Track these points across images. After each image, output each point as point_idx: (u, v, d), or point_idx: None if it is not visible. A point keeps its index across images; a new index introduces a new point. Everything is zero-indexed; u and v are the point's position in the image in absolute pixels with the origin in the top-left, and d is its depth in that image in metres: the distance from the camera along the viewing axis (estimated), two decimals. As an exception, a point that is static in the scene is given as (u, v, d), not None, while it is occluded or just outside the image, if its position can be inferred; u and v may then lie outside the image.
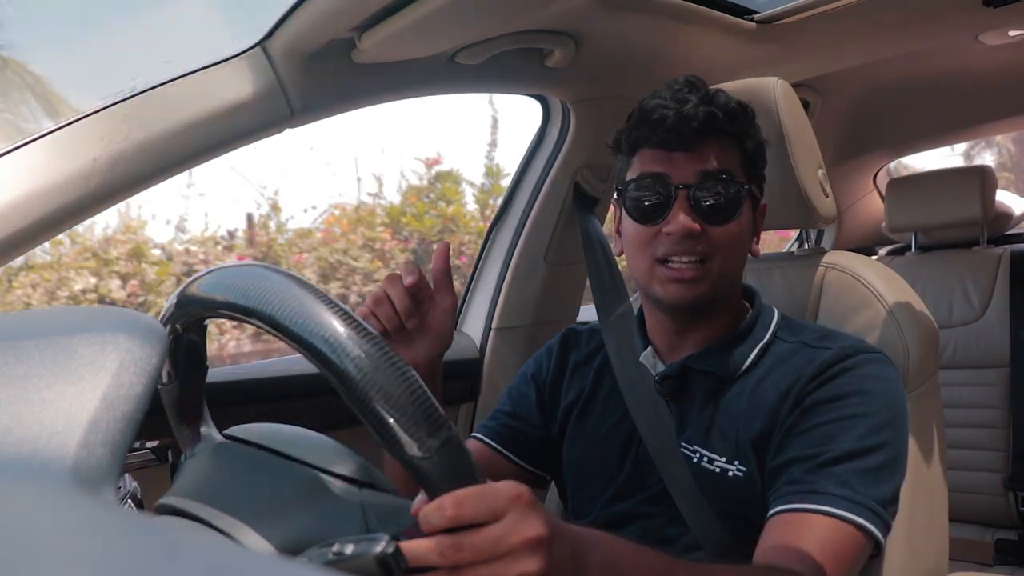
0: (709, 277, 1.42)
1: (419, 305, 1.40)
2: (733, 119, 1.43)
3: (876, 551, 1.30)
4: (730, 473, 1.40)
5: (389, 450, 0.78)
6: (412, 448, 0.78)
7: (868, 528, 1.24)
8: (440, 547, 0.80)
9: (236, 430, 1.02)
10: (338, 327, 0.78)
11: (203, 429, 1.09)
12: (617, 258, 1.70)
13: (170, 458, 1.08)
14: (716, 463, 1.41)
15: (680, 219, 1.39)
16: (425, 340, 1.42)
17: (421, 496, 0.84)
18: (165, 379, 1.04)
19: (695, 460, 1.44)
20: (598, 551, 0.95)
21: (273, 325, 0.80)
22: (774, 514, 1.28)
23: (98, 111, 1.49)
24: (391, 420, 0.77)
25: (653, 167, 1.45)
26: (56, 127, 1.45)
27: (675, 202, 1.41)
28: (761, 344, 1.47)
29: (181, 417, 1.08)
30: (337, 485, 0.92)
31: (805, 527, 1.23)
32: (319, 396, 1.97)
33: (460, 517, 0.80)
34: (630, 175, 1.49)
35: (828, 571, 1.20)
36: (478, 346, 2.43)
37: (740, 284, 1.55)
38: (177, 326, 0.97)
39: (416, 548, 0.80)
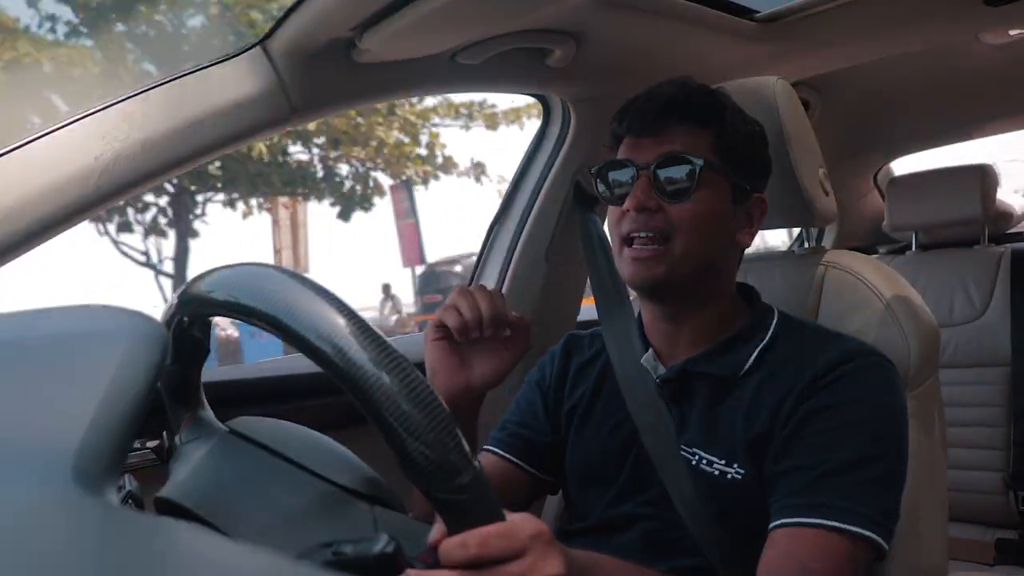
0: (669, 257, 1.43)
1: (492, 327, 1.51)
2: (698, 100, 1.46)
3: (878, 556, 1.30)
4: (729, 476, 1.39)
5: (414, 483, 0.79)
6: (438, 485, 0.78)
7: (873, 539, 1.24)
8: None
9: (241, 425, 1.02)
10: (363, 348, 0.77)
11: (200, 412, 1.09)
12: None
13: (165, 442, 1.08)
14: (715, 465, 1.41)
15: (638, 196, 1.42)
16: (483, 366, 1.53)
17: (439, 526, 0.84)
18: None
19: (694, 463, 1.44)
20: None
21: (288, 333, 0.79)
22: (776, 527, 1.28)
23: (99, 109, 1.49)
24: (419, 456, 0.76)
25: (623, 154, 1.50)
26: (58, 126, 1.46)
27: (636, 181, 1.44)
28: (761, 346, 1.47)
29: (178, 399, 1.08)
30: (349, 501, 0.92)
31: (808, 540, 1.24)
32: (321, 395, 1.97)
33: (484, 556, 0.82)
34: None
35: None
36: None
37: (722, 273, 1.54)
38: (184, 319, 0.98)
39: None
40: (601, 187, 1.52)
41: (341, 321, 0.78)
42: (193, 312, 0.96)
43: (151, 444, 1.74)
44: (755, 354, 1.46)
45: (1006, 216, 3.57)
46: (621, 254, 1.48)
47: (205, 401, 1.10)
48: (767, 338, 1.48)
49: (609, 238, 1.56)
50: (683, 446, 1.46)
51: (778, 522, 1.28)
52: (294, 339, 0.78)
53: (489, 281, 2.45)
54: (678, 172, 1.42)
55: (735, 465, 1.39)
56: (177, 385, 1.07)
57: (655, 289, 1.47)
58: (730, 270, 1.55)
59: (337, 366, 0.76)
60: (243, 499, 0.91)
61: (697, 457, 1.44)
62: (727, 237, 1.50)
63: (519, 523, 0.86)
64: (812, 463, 1.30)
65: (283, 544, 0.86)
